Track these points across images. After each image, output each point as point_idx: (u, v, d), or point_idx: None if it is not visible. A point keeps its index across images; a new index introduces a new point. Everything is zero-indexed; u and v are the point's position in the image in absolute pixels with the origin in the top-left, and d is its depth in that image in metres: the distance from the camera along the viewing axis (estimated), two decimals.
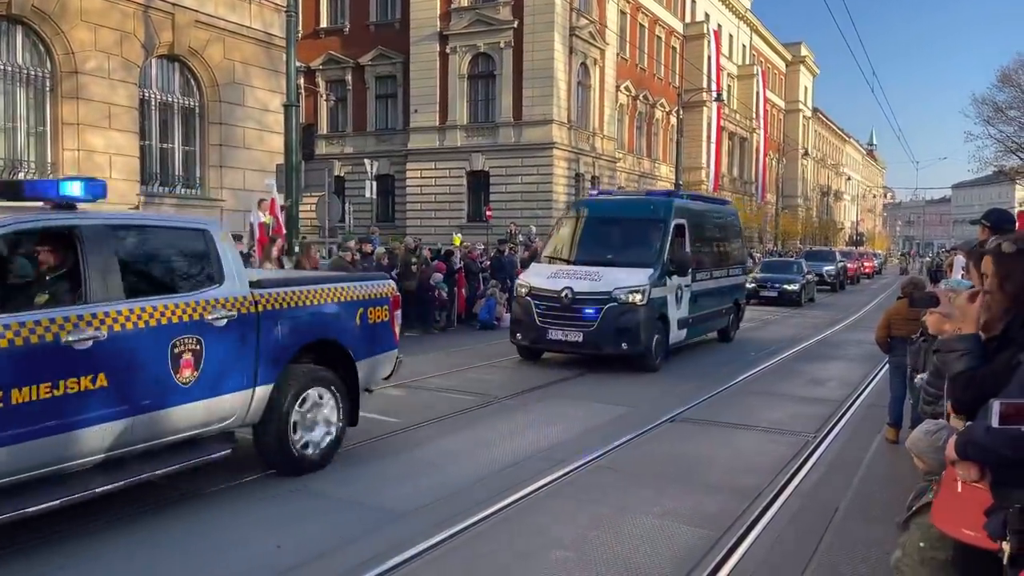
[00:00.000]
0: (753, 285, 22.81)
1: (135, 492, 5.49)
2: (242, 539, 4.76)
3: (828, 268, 32.48)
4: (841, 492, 5.98)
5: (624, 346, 10.74)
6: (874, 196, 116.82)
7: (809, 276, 26.07)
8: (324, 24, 36.03)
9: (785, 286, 24.00)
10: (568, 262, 11.87)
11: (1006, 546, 2.15)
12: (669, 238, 11.63)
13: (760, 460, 6.84)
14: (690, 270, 12.13)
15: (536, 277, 11.72)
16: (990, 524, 2.28)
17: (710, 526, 5.14)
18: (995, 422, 1.84)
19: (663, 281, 11.37)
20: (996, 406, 1.86)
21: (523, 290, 11.55)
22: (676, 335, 11.95)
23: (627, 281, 10.91)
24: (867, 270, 47.18)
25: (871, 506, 5.67)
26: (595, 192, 15.06)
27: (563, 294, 10.95)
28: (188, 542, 4.68)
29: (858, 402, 9.55)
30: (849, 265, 38.81)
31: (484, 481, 6.00)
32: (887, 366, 8.51)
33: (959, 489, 2.45)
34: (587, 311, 10.84)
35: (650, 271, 11.14)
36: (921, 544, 2.83)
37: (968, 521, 2.42)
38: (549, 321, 11.07)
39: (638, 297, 10.85)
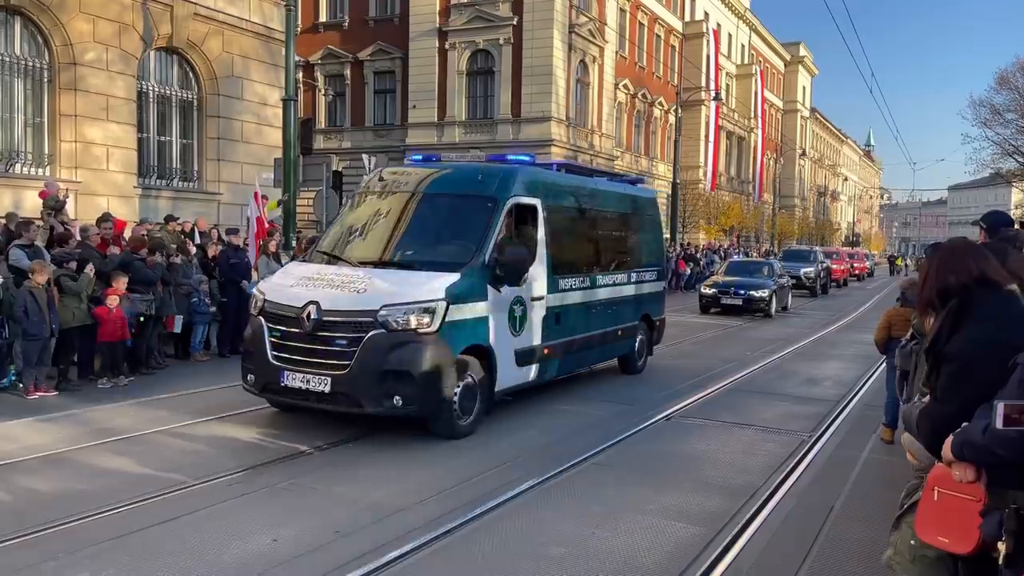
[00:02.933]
0: (713, 291, 20.37)
1: (131, 487, 5.50)
2: (237, 533, 4.77)
3: (807, 270, 28.86)
4: (836, 491, 6.01)
5: (397, 401, 6.61)
6: (871, 197, 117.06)
7: (783, 280, 22.40)
8: (323, 18, 35.96)
9: (752, 292, 19.97)
10: (335, 260, 7.88)
11: (1002, 547, 2.17)
12: (499, 226, 7.66)
13: (755, 459, 6.86)
14: (547, 275, 8.40)
15: (276, 285, 7.66)
16: (986, 525, 2.30)
17: (705, 524, 5.16)
18: (999, 423, 1.85)
19: (479, 292, 7.28)
20: (1000, 407, 1.87)
21: (256, 304, 7.50)
22: (513, 374, 7.92)
23: (408, 293, 6.86)
24: (857, 271, 44.51)
25: (866, 506, 5.69)
26: (418, 159, 9.44)
27: (305, 313, 6.86)
28: (183, 536, 4.68)
29: (854, 402, 9.58)
30: (835, 266, 35.50)
31: (480, 477, 6.01)
32: (883, 366, 8.53)
33: (935, 498, 2.51)
34: (339, 342, 6.79)
35: (452, 277, 7.04)
36: (912, 542, 2.85)
37: (943, 528, 2.47)
38: (285, 357, 6.96)
39: (424, 320, 6.74)
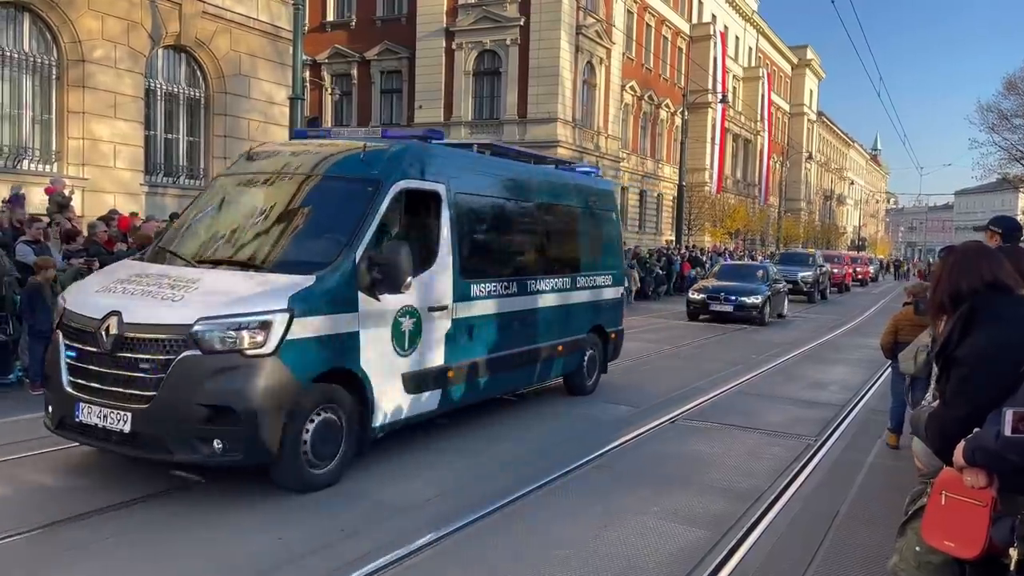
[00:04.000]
0: (701, 297, 19.01)
1: (136, 484, 5.50)
2: (243, 531, 4.76)
3: (804, 274, 27.34)
4: (841, 496, 5.98)
5: (217, 446, 5.01)
6: (877, 201, 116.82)
7: (780, 285, 21.08)
8: (331, 18, 36.01)
9: (743, 299, 18.59)
10: (171, 257, 6.21)
11: (1013, 553, 2.15)
12: (377, 217, 6.01)
13: (760, 462, 6.83)
14: (454, 280, 6.78)
15: (83, 288, 6.13)
16: (998, 530, 2.28)
17: (710, 528, 5.14)
18: (1007, 430, 1.84)
19: (344, 301, 5.65)
20: (1009, 415, 1.86)
21: (56, 314, 6.04)
22: (401, 404, 6.26)
23: (237, 302, 5.23)
24: (861, 276, 43.71)
25: (871, 511, 5.66)
26: (303, 132, 8.26)
27: (104, 327, 5.28)
28: (189, 534, 4.68)
29: (859, 406, 9.55)
30: (835, 271, 34.25)
31: (484, 478, 6.00)
32: (889, 371, 8.50)
33: (943, 502, 2.49)
34: (143, 366, 5.16)
35: (304, 281, 5.44)
36: (917, 548, 2.84)
37: (949, 533, 2.45)
38: (81, 384, 5.39)
39: (257, 337, 5.14)
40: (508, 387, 8.11)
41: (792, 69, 67.58)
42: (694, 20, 46.43)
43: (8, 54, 13.59)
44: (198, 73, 16.95)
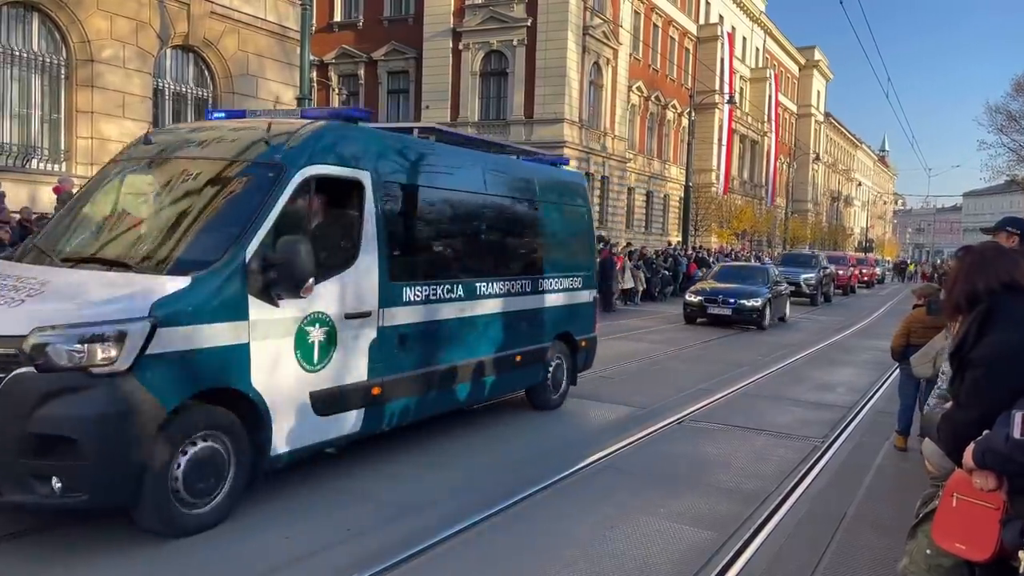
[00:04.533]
0: (698, 299, 18.23)
1: None
2: (249, 529, 4.77)
3: (807, 276, 26.53)
4: (849, 498, 5.97)
5: (56, 485, 4.17)
6: (884, 202, 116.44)
7: (781, 287, 20.32)
8: (338, 18, 36.07)
9: (743, 302, 17.74)
10: (35, 255, 5.42)
11: (1023, 555, 2.14)
12: (277, 208, 5.13)
13: (768, 464, 6.82)
14: (381, 282, 5.85)
15: None
16: (1007, 533, 2.27)
17: (716, 529, 5.13)
18: (1017, 433, 1.83)
19: (229, 307, 4.78)
20: (1018, 417, 1.85)
21: None
22: (310, 428, 5.35)
23: (85, 309, 4.38)
24: (866, 278, 42.80)
25: (879, 513, 5.65)
26: (217, 115, 6.80)
27: None
28: (196, 534, 4.68)
29: (867, 408, 9.52)
30: (840, 272, 33.40)
31: (493, 478, 6.00)
32: (896, 373, 8.47)
33: (954, 504, 2.48)
34: None
35: (175, 283, 4.62)
36: (928, 551, 2.83)
37: (960, 535, 2.44)
38: None
39: (108, 352, 4.26)
40: (453, 403, 6.97)
41: (800, 70, 67.41)
42: (701, 21, 46.36)
43: (17, 54, 13.65)
44: (206, 73, 17.00)
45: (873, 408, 9.53)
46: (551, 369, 8.34)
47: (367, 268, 5.75)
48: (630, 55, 37.11)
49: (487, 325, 7.21)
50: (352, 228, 5.79)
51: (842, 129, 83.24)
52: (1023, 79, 42.10)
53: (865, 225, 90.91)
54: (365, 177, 5.80)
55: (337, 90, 35.90)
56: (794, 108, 66.11)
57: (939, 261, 63.73)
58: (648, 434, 7.62)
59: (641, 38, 38.85)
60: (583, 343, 8.94)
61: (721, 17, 48.25)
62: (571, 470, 6.25)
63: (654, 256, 26.70)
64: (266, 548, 4.52)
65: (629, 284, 22.80)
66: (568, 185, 9.10)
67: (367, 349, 5.73)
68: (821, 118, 72.77)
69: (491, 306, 7.26)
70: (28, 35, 13.92)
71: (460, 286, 6.82)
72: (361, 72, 35.78)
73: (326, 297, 5.34)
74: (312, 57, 17.43)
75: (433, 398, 6.59)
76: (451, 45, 33.08)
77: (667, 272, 26.01)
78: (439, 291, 6.56)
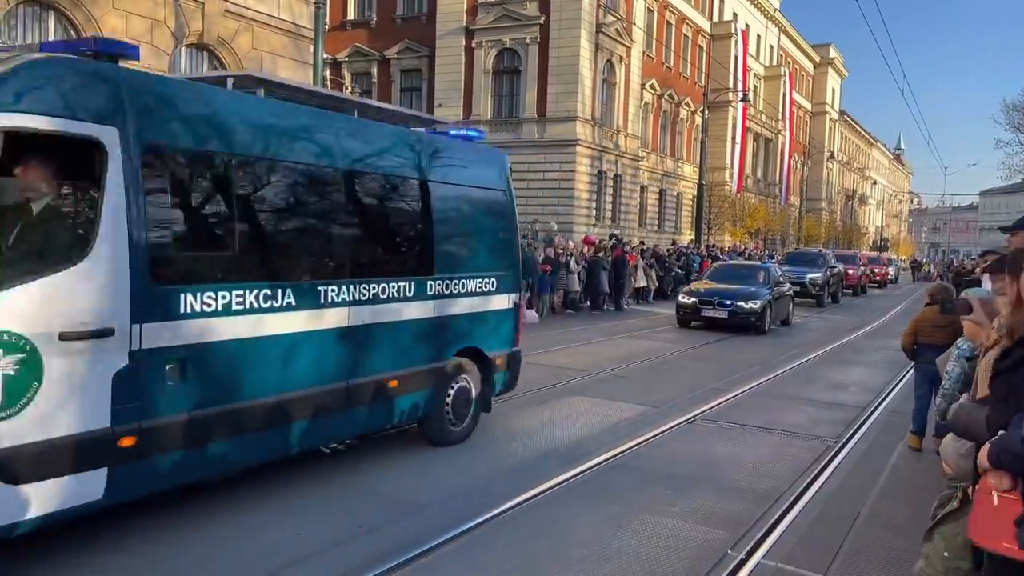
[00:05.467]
0: (692, 301, 16.78)
1: None
2: (262, 526, 4.80)
3: (813, 276, 25.15)
4: (862, 499, 5.93)
5: None
6: (900, 201, 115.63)
7: (784, 288, 18.88)
8: (351, 16, 36.15)
9: (740, 304, 16.30)
10: None
11: None
12: None
13: (780, 463, 6.79)
14: (132, 285, 4.20)
15: None
16: (1022, 535, 2.25)
17: (728, 528, 5.11)
18: None
19: None
20: None
21: None
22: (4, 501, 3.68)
23: None
24: (878, 278, 41.13)
25: (893, 514, 5.61)
26: None
27: None
28: (208, 529, 4.72)
29: (880, 408, 9.45)
30: (850, 271, 31.90)
31: (504, 476, 6.00)
32: (911, 373, 8.41)
33: (995, 502, 2.42)
34: None
35: None
36: (945, 554, 2.81)
37: (1006, 534, 2.38)
38: None
39: None
40: (277, 450, 5.24)
41: (814, 68, 66.99)
42: (715, 18, 46.14)
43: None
44: (220, 72, 17.09)
45: (887, 408, 9.46)
46: (451, 394, 6.64)
47: (106, 266, 4.06)
48: (643, 53, 36.99)
49: (337, 342, 5.50)
50: (82, 208, 4.25)
51: (857, 127, 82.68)
52: None
53: (880, 224, 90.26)
54: (108, 136, 4.10)
55: (350, 88, 35.98)
56: (809, 106, 65.71)
57: (954, 260, 63.12)
58: (659, 433, 7.60)
59: (654, 36, 38.71)
60: (499, 360, 7.26)
61: (735, 14, 48.01)
62: (581, 468, 6.24)
63: (667, 255, 26.61)
64: (278, 544, 4.54)
65: (642, 283, 22.76)
66: (479, 164, 7.32)
67: (108, 383, 4.07)
68: (836, 116, 72.30)
69: (343, 317, 5.53)
70: (44, 33, 14.03)
71: (290, 291, 5.11)
72: (374, 70, 35.85)
73: (14, 309, 3.70)
74: (325, 55, 17.47)
75: (241, 445, 4.91)
76: (464, 43, 33.08)
77: (680, 271, 25.93)
78: (251, 298, 4.86)
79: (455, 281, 6.72)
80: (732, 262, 24.13)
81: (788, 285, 19.65)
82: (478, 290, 7.01)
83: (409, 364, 6.20)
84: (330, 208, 5.65)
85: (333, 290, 5.49)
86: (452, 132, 7.46)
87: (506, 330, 7.49)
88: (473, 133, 7.60)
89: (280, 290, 5.07)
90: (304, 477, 5.69)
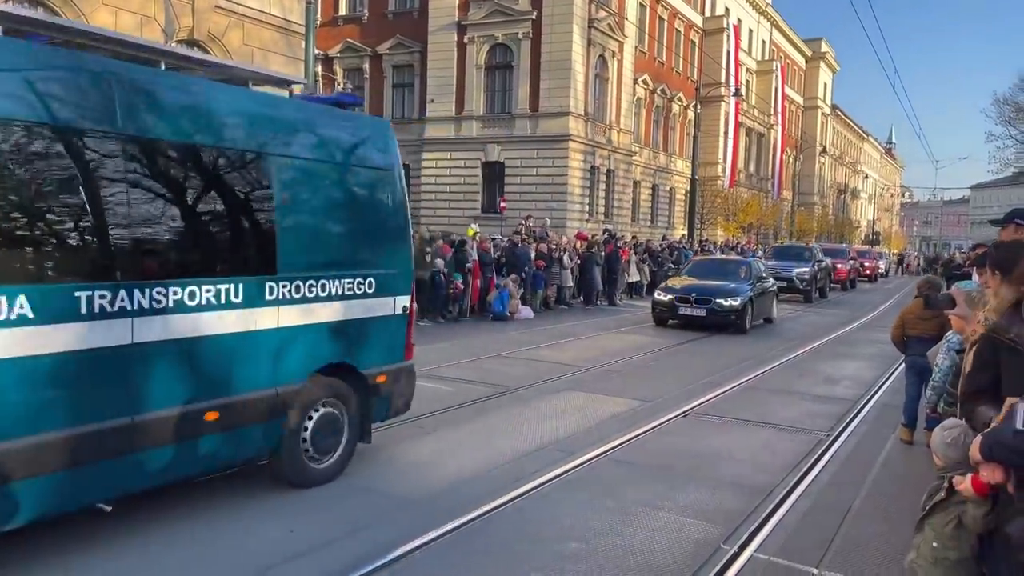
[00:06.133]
0: (668, 298, 15.85)
1: None
2: (254, 524, 4.79)
3: (800, 270, 24.34)
4: (854, 491, 5.95)
5: None
6: (891, 195, 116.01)
7: (767, 283, 17.84)
8: (342, 12, 36.04)
9: (719, 301, 15.32)
10: None
11: None
12: None
13: (773, 457, 6.81)
14: None
15: None
16: (1014, 527, 2.26)
17: (722, 522, 5.12)
18: (1020, 424, 1.81)
19: None
20: (1021, 409, 1.84)
21: None
22: None
23: None
24: (868, 272, 40.13)
25: (884, 506, 5.64)
26: None
27: None
28: (200, 528, 4.71)
29: (872, 401, 9.49)
30: (839, 265, 31.19)
31: (497, 471, 6.00)
32: (902, 366, 8.45)
33: None
34: None
35: None
36: (934, 544, 2.83)
37: None
38: None
39: None
40: (22, 514, 3.88)
41: (806, 62, 67.08)
42: (707, 13, 46.16)
43: None
44: None
45: (879, 401, 9.50)
46: (308, 424, 5.40)
47: None
48: (635, 48, 36.98)
49: (109, 366, 4.20)
50: None
51: (849, 121, 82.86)
52: None
53: (872, 218, 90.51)
54: None
55: (342, 84, 35.87)
56: (800, 100, 65.81)
57: (936, 253, 63.33)
58: (653, 427, 7.61)
59: (646, 31, 38.69)
60: (380, 378, 5.95)
61: (727, 9, 48.05)
62: (576, 462, 6.25)
63: (659, 250, 26.64)
64: (269, 541, 4.53)
65: (635, 278, 22.78)
66: (353, 136, 5.88)
67: None
68: (828, 110, 72.43)
69: (121, 332, 4.22)
70: None
71: (23, 299, 3.78)
72: (366, 66, 35.76)
73: None
74: (317, 51, 17.43)
75: None
76: (456, 39, 33.01)
77: (673, 265, 25.95)
78: None
79: (312, 282, 5.33)
80: (712, 257, 23.28)
81: (771, 281, 18.72)
82: (348, 292, 5.64)
83: (239, 389, 4.85)
84: (96, 186, 4.17)
85: (104, 296, 4.11)
86: (320, 97, 6.43)
87: (391, 341, 6.09)
88: (347, 98, 6.12)
89: (6, 297, 3.70)
90: None
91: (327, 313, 5.48)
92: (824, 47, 68.85)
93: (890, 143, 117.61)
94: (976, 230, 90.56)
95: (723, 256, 24.54)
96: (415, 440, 6.79)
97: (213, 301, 4.68)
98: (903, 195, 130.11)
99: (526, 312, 16.99)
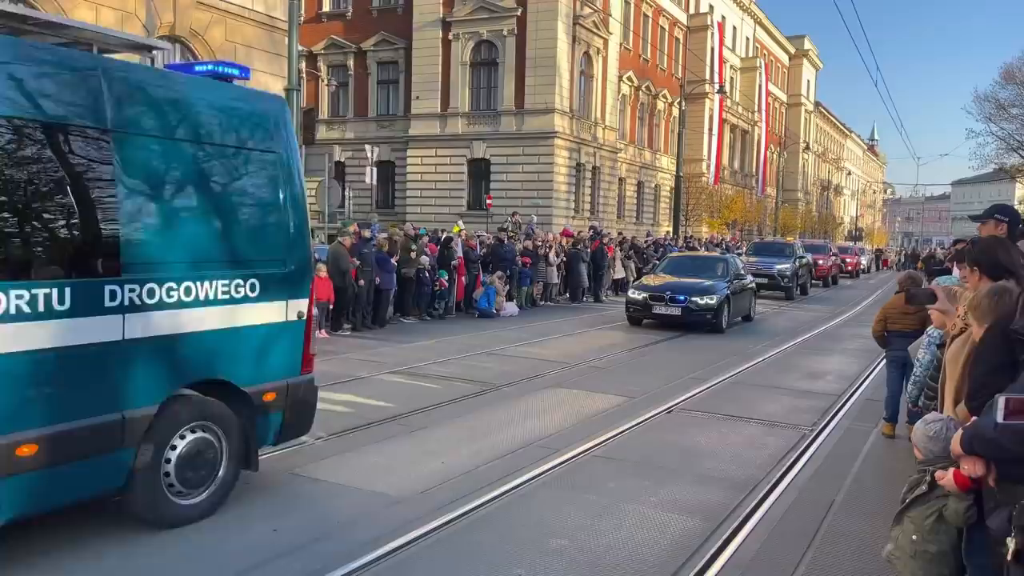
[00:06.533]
0: (642, 296, 15.19)
1: None
2: (238, 522, 4.76)
3: (781, 267, 23.87)
4: (837, 485, 5.99)
5: None
6: (874, 192, 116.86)
7: (746, 280, 17.32)
8: (326, 8, 35.86)
9: (695, 299, 14.71)
10: None
11: (1011, 543, 2.15)
12: None
13: (757, 452, 6.85)
14: None
15: None
16: (994, 520, 2.28)
17: (706, 517, 5.15)
18: (1000, 417, 1.83)
19: None
20: (1001, 401, 1.86)
21: None
22: None
23: None
24: (849, 268, 39.64)
25: (866, 500, 5.68)
26: None
27: None
28: (183, 527, 4.67)
29: (855, 396, 9.56)
30: (821, 261, 30.97)
31: (481, 468, 6.00)
32: (884, 361, 8.51)
33: None
34: None
35: None
36: (914, 537, 2.85)
37: None
38: None
39: None
40: None
41: (789, 59, 67.41)
42: (691, 10, 46.28)
43: None
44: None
45: (862, 396, 9.57)
46: (172, 454, 4.56)
47: None
48: (620, 45, 37.03)
49: None
50: None
51: (832, 118, 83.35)
52: (1012, 67, 42.28)
53: (855, 214, 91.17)
54: None
55: (326, 81, 35.72)
56: (784, 98, 66.15)
57: (915, 248, 63.87)
58: (638, 423, 7.64)
59: (631, 27, 38.75)
60: (268, 396, 5.14)
61: (711, 6, 48.18)
62: (560, 459, 6.26)
63: (645, 246, 26.71)
64: (254, 540, 4.51)
65: (620, 274, 22.83)
66: (233, 112, 5.07)
67: None
68: (811, 107, 72.85)
69: None
70: None
71: None
72: (350, 63, 35.60)
73: None
74: (300, 48, 17.32)
75: None
76: (441, 35, 32.92)
77: (658, 262, 26.02)
78: None
79: (171, 284, 4.49)
80: (688, 253, 22.78)
81: (750, 278, 18.16)
82: (223, 297, 4.81)
83: (67, 417, 4.02)
84: None
85: None
86: (192, 65, 5.66)
87: (283, 352, 5.26)
88: (233, 71, 5.26)
89: None
90: (282, 476, 5.65)
91: (194, 321, 4.62)
92: (807, 44, 69.23)
93: (872, 140, 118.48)
94: (957, 226, 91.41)
95: (701, 252, 23.65)
96: (400, 438, 6.77)
97: (27, 310, 3.80)
98: (885, 191, 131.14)
99: (512, 309, 16.99)
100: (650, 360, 11.70)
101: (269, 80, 17.81)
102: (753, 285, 18.09)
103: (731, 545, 4.70)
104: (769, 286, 22.54)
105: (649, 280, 16.64)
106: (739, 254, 26.76)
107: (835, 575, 4.39)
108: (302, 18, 17.78)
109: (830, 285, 32.04)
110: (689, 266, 16.97)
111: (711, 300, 14.82)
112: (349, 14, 35.38)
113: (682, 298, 14.80)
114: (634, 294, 15.68)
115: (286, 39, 15.12)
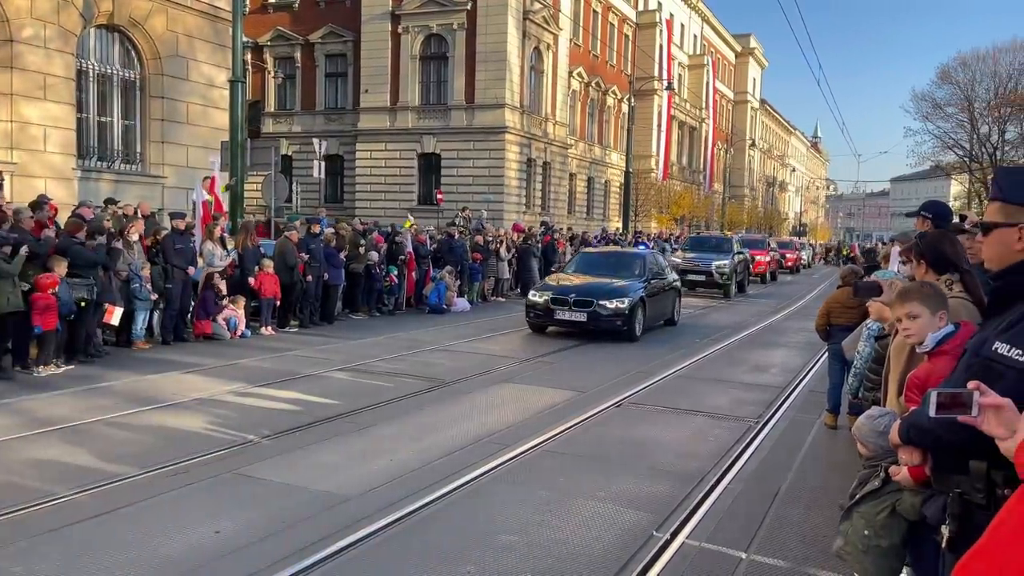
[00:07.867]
0: (544, 299, 13.09)
1: (69, 478, 5.31)
2: (178, 525, 4.64)
3: (720, 263, 22.19)
4: (782, 476, 6.10)
5: None
6: (817, 188, 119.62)
7: (667, 280, 15.31)
8: None
9: (603, 303, 12.73)
10: None
11: (945, 531, 2.19)
12: None
13: (704, 444, 6.93)
14: None
15: None
16: (929, 509, 2.33)
17: (654, 509, 5.19)
18: (932, 411, 1.86)
19: None
20: (933, 396, 1.89)
21: None
22: None
23: None
24: (789, 263, 38.95)
25: (810, 489, 5.79)
26: None
27: None
28: (122, 530, 4.54)
29: (799, 388, 9.76)
30: (759, 258, 29.53)
31: (431, 465, 5.95)
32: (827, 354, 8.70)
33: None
34: None
35: None
36: (865, 532, 2.88)
37: None
38: None
39: None
40: None
41: (736, 57, 68.54)
42: (640, 7, 46.68)
43: None
44: (133, 54, 16.41)
45: (805, 388, 9.78)
46: None
47: None
48: (570, 41, 37.17)
49: None
50: None
51: (777, 116, 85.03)
52: (947, 67, 43.66)
53: (799, 210, 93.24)
54: None
55: (273, 73, 35.10)
56: (731, 95, 67.24)
57: (839, 244, 65.67)
58: (587, 417, 7.67)
59: (581, 24, 38.93)
60: None
61: (660, 4, 48.68)
62: (510, 455, 6.24)
63: (595, 241, 26.89)
64: (195, 543, 4.40)
65: None
66: None
67: None
68: (757, 105, 74.19)
69: None
70: None
71: None
72: (297, 55, 35.05)
73: None
74: (246, 39, 16.96)
75: None
76: (390, 28, 32.61)
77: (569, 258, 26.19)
78: None
79: None
80: (600, 249, 19.98)
81: (673, 276, 16.23)
82: None
83: None
84: None
85: None
86: None
87: None
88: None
89: None
90: (224, 477, 5.53)
91: None
92: (753, 43, 70.45)
93: (816, 137, 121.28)
94: (896, 221, 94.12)
95: (614, 249, 20.38)
96: (349, 435, 6.68)
97: None
98: (828, 188, 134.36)
99: (463, 304, 16.93)
100: (599, 355, 11.74)
101: (213, 71, 17.41)
102: (678, 284, 16.33)
103: (680, 536, 4.74)
104: (706, 283, 21.73)
105: (554, 280, 14.55)
106: (674, 249, 26.11)
107: (781, 562, 4.46)
108: (247, 8, 17.42)
109: (768, 282, 30.99)
110: (602, 264, 15.00)
111: (621, 304, 12.80)
112: (296, 5, 34.81)
113: (588, 302, 12.80)
114: (535, 297, 13.39)
115: (230, 29, 14.80)
